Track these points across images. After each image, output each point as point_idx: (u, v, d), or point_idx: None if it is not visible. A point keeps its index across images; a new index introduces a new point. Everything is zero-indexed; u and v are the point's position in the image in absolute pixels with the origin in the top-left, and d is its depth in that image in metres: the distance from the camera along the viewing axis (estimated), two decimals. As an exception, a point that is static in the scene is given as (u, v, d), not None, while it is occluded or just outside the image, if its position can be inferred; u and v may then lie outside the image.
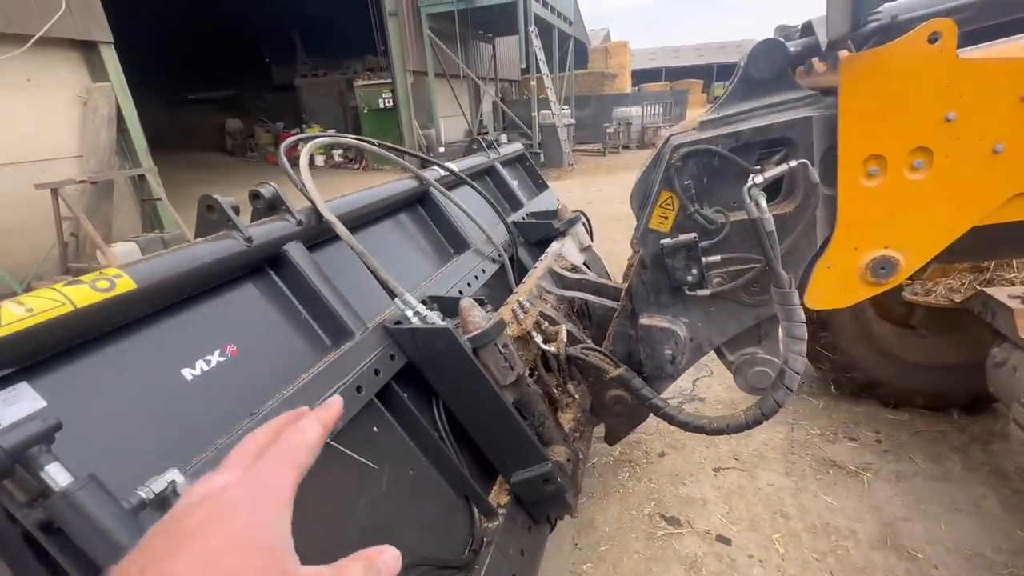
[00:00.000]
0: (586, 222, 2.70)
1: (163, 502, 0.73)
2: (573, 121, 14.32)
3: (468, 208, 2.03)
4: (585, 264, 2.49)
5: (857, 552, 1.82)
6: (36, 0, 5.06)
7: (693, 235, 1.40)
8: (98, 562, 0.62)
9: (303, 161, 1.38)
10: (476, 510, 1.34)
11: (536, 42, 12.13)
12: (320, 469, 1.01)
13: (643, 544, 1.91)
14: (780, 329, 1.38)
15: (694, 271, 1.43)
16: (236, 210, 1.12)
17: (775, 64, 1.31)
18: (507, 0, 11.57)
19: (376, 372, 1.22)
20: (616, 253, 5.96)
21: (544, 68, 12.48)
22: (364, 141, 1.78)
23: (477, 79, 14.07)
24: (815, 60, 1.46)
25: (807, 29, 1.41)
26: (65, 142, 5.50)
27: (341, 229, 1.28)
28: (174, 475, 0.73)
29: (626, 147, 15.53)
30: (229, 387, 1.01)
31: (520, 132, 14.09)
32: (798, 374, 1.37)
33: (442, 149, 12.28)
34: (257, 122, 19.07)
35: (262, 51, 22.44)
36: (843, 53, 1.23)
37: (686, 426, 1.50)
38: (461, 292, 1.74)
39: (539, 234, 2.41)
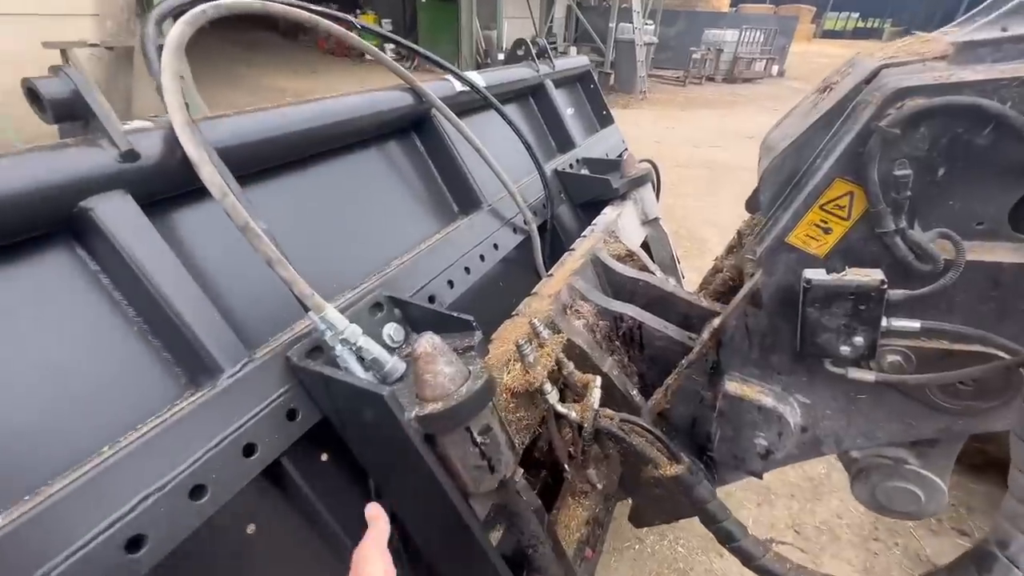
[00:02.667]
0: (655, 179, 1.97)
1: None
2: (655, 40, 12.42)
3: (490, 144, 1.36)
4: (645, 244, 1.81)
5: None
6: None
7: (880, 276, 0.72)
8: None
9: (171, 41, 0.74)
10: (410, 650, 0.86)
11: (630, -67, 10.15)
12: None
13: (654, 639, 1.44)
14: (1012, 485, 0.73)
15: (859, 339, 0.77)
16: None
17: None
18: None
19: (249, 450, 0.69)
20: (678, 210, 5.01)
21: (633, -32, 10.58)
22: (328, 15, 1.10)
23: (553, -25, 12.18)
24: None
25: None
26: (80, -4, 4.91)
27: (208, 174, 0.67)
28: None
29: (710, 79, 13.53)
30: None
31: (592, 46, 12.43)
32: (1020, 571, 0.74)
33: (501, 56, 10.96)
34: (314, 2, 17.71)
35: (324, -82, 20.36)
36: None
37: (772, 578, 0.93)
38: (451, 282, 1.14)
39: (589, 193, 1.73)
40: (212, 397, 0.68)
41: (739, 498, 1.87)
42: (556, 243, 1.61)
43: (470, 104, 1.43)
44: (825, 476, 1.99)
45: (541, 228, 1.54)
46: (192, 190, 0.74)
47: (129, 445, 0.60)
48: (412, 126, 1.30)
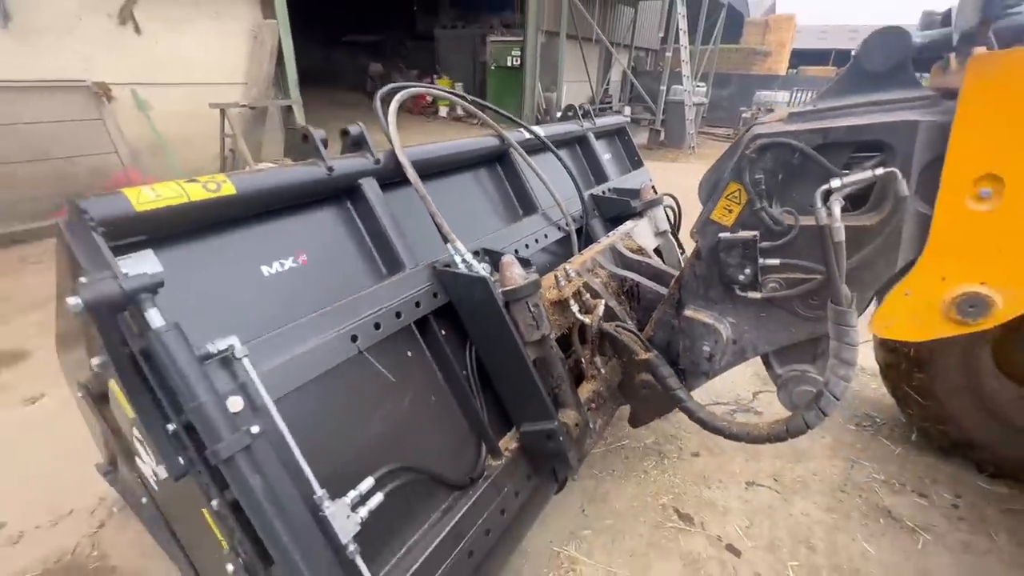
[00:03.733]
0: (675, 207, 2.61)
1: (223, 360, 0.94)
2: (705, 101, 13.22)
3: (546, 174, 2.08)
4: (657, 250, 2.43)
5: (882, 607, 1.68)
6: (230, -59, 5.83)
7: (754, 233, 1.34)
8: (174, 387, 0.85)
9: (392, 107, 1.53)
10: (484, 447, 1.48)
11: (681, 9, 11.23)
12: (347, 375, 1.21)
13: (648, 530, 1.94)
14: (829, 348, 1.28)
15: (748, 271, 1.37)
16: (325, 143, 1.30)
17: (891, 57, 1.17)
18: (658, -40, 10.76)
19: (417, 304, 1.38)
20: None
21: (684, 39, 11.58)
22: (455, 95, 1.90)
23: (610, 45, 13.46)
24: (952, 57, 1.25)
25: (948, 19, 1.21)
26: (235, 70, 6.40)
27: (411, 172, 1.42)
28: (234, 341, 0.94)
29: (761, 136, 14.02)
30: (295, 288, 1.22)
31: (644, 106, 13.40)
32: (837, 400, 1.28)
33: (559, 115, 12.11)
34: (396, 68, 20.24)
35: (411, -1, 23.39)
36: (978, 49, 1.06)
37: (705, 424, 1.48)
38: (516, 251, 1.82)
39: (615, 210, 2.39)
40: (400, 278, 1.38)
41: (730, 455, 2.34)
42: (588, 243, 2.26)
43: (534, 147, 2.17)
44: (808, 447, 2.40)
45: (578, 232, 2.21)
46: (398, 180, 1.49)
47: (363, 292, 1.30)
48: (496, 159, 2.05)
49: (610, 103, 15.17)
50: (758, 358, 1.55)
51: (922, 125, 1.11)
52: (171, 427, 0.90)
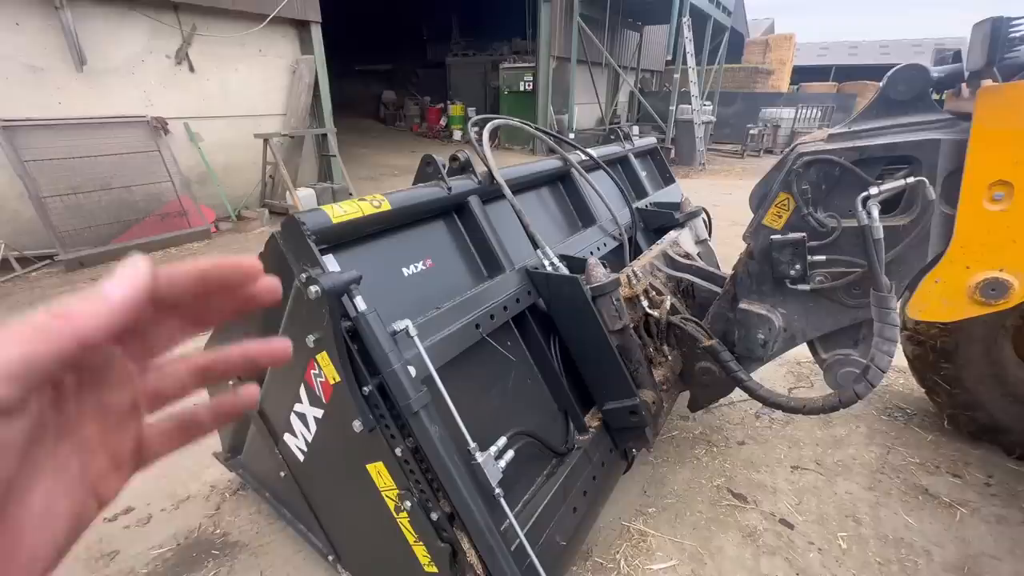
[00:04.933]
0: (707, 218, 2.86)
1: (400, 338, 1.20)
2: (713, 119, 13.61)
3: (600, 190, 2.35)
4: (699, 255, 2.68)
5: (927, 570, 1.86)
6: (273, -14, 6.32)
7: (803, 234, 1.58)
8: (374, 356, 1.10)
9: (485, 136, 1.81)
10: (572, 424, 1.71)
11: (687, 33, 11.71)
12: (478, 357, 1.46)
13: (706, 507, 2.14)
14: (873, 329, 1.51)
15: (798, 266, 1.61)
16: (444, 167, 1.58)
17: (914, 87, 1.43)
18: (664, -12, 11.28)
19: (516, 300, 1.63)
20: (733, 258, 5.80)
21: (691, 61, 12.02)
22: (535, 128, 2.19)
23: (618, 68, 13.97)
24: (964, 87, 1.51)
25: (957, 56, 1.48)
26: (276, 102, 6.84)
27: (507, 191, 1.70)
28: (407, 323, 1.20)
29: (769, 151, 14.36)
30: (425, 286, 1.48)
31: (653, 125, 13.78)
32: (883, 372, 1.50)
33: (572, 136, 12.54)
34: (408, 95, 20.98)
35: (421, 29, 24.34)
36: (986, 82, 1.31)
37: (765, 400, 1.70)
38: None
39: (659, 222, 2.65)
40: (502, 279, 1.64)
41: (773, 444, 2.54)
42: (636, 251, 2.52)
43: (588, 166, 2.45)
44: (845, 436, 2.59)
45: (628, 240, 2.47)
46: (496, 196, 1.77)
47: (475, 290, 1.56)
48: (559, 179, 2.33)
49: (619, 123, 15.63)
50: (792, 353, 1.78)
51: (944, 142, 1.36)
52: (366, 389, 1.15)
